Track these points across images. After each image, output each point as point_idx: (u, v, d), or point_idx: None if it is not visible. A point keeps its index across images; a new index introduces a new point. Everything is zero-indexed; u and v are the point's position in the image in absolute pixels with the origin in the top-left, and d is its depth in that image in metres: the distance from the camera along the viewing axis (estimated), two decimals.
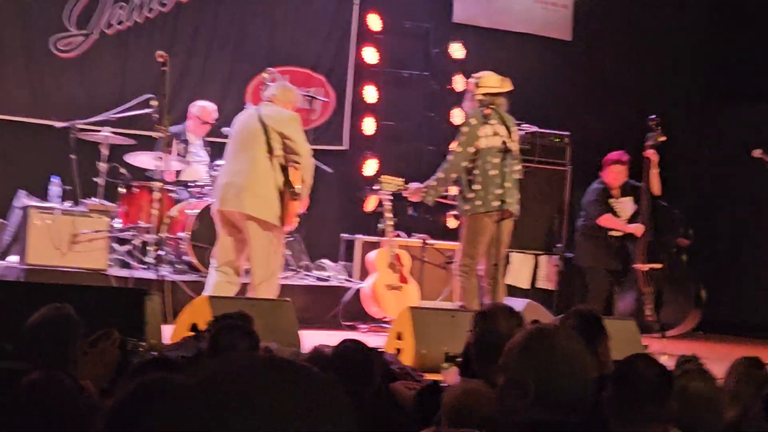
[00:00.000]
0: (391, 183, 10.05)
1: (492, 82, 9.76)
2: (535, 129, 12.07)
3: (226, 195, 8.97)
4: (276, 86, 9.40)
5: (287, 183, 8.89)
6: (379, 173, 12.64)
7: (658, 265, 10.81)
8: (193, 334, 6.43)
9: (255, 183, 8.86)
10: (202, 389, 1.30)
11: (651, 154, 10.76)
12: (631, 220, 10.91)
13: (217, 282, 8.98)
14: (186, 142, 11.28)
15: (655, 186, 10.86)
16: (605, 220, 10.84)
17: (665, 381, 3.76)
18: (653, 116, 10.85)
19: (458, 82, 12.91)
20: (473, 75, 9.92)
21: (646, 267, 10.79)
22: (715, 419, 4.35)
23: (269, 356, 1.36)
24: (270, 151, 8.88)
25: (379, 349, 6.84)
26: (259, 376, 1.31)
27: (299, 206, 9.05)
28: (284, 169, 8.93)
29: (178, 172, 10.96)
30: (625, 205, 10.93)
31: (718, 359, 5.90)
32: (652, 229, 10.82)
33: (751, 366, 4.83)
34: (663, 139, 10.77)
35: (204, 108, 11.42)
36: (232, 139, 9.25)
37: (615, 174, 10.94)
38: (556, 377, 3.28)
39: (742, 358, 4.91)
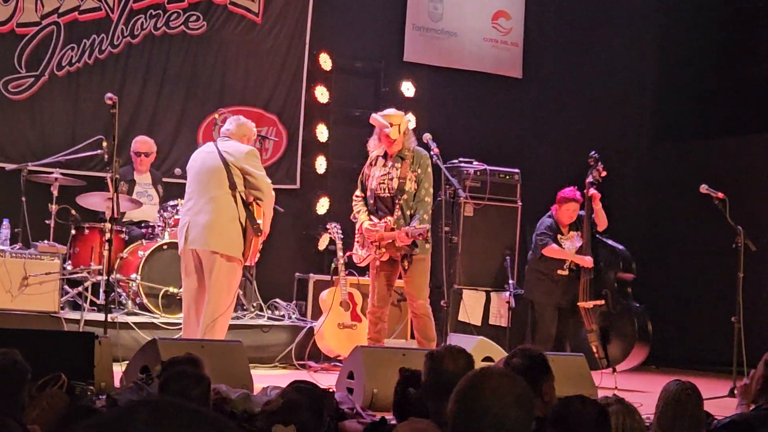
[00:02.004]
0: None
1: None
2: (485, 166, 12.16)
3: (190, 234, 8.91)
4: (231, 121, 9.37)
5: (250, 218, 8.88)
6: (330, 212, 12.71)
7: (601, 302, 10.88)
8: (143, 376, 6.42)
9: (218, 220, 8.83)
10: None
11: (591, 191, 10.86)
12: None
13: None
14: (132, 182, 11.28)
15: (601, 222, 10.94)
16: (549, 251, 10.87)
17: (603, 420, 3.80)
18: (593, 152, 10.96)
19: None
20: (404, 114, 10.02)
21: (590, 304, 10.85)
22: None
23: (166, 401, 1.38)
24: (232, 187, 8.85)
25: (330, 389, 6.87)
26: (141, 418, 1.34)
27: (261, 241, 9.06)
28: (246, 205, 8.92)
29: (123, 214, 10.92)
30: (573, 241, 10.99)
31: None
32: (594, 266, 10.89)
33: (682, 390, 4.88)
34: (604, 174, 10.86)
35: (137, 141, 11.43)
36: (192, 177, 9.17)
37: (569, 213, 10.94)
38: (496, 420, 3.32)
39: (675, 381, 4.97)
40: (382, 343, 9.60)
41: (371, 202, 9.76)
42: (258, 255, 9.19)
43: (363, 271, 11.67)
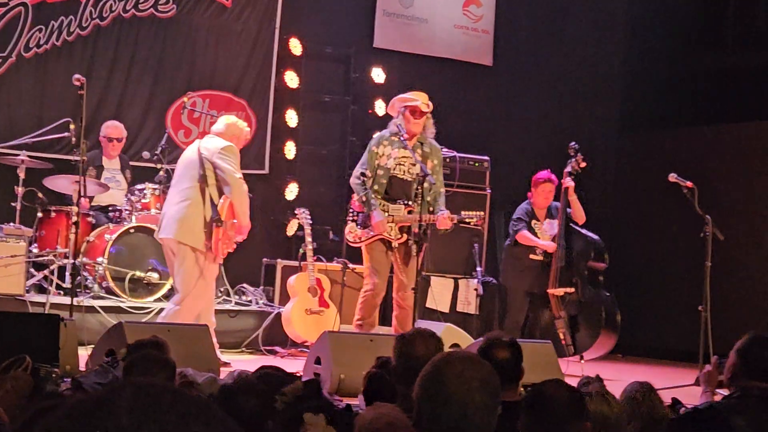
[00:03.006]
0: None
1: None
2: (455, 153, 12.17)
3: (161, 223, 9.25)
4: (221, 120, 9.58)
5: (213, 212, 8.98)
6: (299, 198, 12.67)
7: (571, 290, 10.92)
8: (108, 360, 6.38)
9: (184, 211, 9.04)
10: (64, 419, 1.31)
11: (567, 182, 10.88)
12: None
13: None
14: (100, 168, 11.21)
15: (578, 216, 10.99)
16: (522, 237, 10.96)
17: (578, 404, 3.79)
18: (573, 143, 10.98)
19: (379, 107, 12.97)
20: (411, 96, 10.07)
21: (560, 291, 10.90)
22: None
23: (148, 383, 1.36)
24: (202, 180, 9.06)
25: (297, 374, 6.84)
26: (123, 402, 1.32)
27: (227, 235, 9.12)
28: (212, 199, 9.08)
29: (91, 198, 10.86)
30: (550, 226, 11.03)
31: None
32: (565, 254, 10.93)
33: (642, 392, 4.89)
34: (584, 165, 10.90)
35: (108, 126, 11.37)
36: (176, 170, 9.49)
37: (545, 193, 11.02)
38: (460, 404, 3.31)
39: (630, 383, 4.98)
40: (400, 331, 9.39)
41: (383, 182, 9.86)
42: (228, 249, 9.23)
43: (330, 257, 11.66)
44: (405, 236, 9.72)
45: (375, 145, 9.95)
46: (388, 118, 10.35)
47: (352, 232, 9.94)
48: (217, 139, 9.27)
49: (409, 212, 9.74)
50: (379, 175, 9.85)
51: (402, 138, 9.80)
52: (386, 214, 9.79)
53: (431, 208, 9.77)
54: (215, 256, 9.15)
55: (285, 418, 3.53)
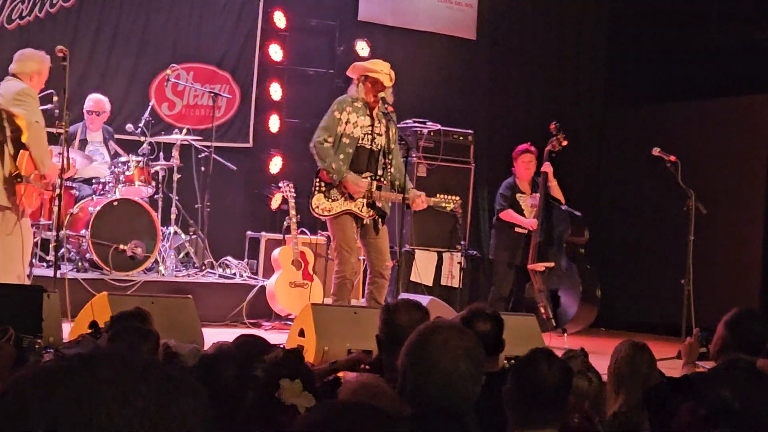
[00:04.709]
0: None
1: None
2: (439, 127, 12.17)
3: None
4: (15, 57, 8.74)
5: (12, 167, 8.37)
6: (283, 171, 12.65)
7: (551, 264, 10.98)
8: (91, 331, 6.37)
9: None
10: (31, 384, 1.31)
11: (546, 166, 10.96)
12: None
13: None
14: (84, 141, 11.17)
15: (558, 195, 11.08)
16: (505, 215, 11.09)
17: (565, 374, 3.80)
18: (554, 122, 11.04)
19: None
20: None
21: (540, 266, 10.96)
22: (598, 415, 4.43)
23: (119, 353, 1.36)
24: (2, 132, 8.38)
25: (281, 346, 6.85)
26: (93, 370, 1.32)
27: (31, 189, 8.52)
28: (16, 152, 8.40)
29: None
30: (534, 199, 11.10)
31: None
32: (545, 230, 10.99)
33: (635, 349, 4.91)
34: (565, 143, 10.96)
35: (90, 99, 11.30)
36: None
37: (525, 164, 11.11)
38: (444, 373, 3.32)
39: (627, 341, 5.00)
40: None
41: (349, 151, 9.33)
42: (38, 201, 8.81)
43: (314, 230, 11.66)
44: (374, 213, 9.37)
45: (338, 110, 9.39)
46: None
47: (320, 204, 9.37)
48: (13, 81, 8.52)
49: (378, 187, 9.36)
50: (345, 143, 9.32)
51: (355, 103, 9.41)
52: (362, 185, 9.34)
53: (398, 182, 9.42)
54: (23, 211, 8.54)
55: (263, 385, 3.53)
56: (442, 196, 9.79)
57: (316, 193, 9.44)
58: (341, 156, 9.31)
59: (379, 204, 9.40)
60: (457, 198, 9.92)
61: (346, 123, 9.35)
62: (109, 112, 11.40)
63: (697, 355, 5.94)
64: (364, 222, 9.44)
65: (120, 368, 1.31)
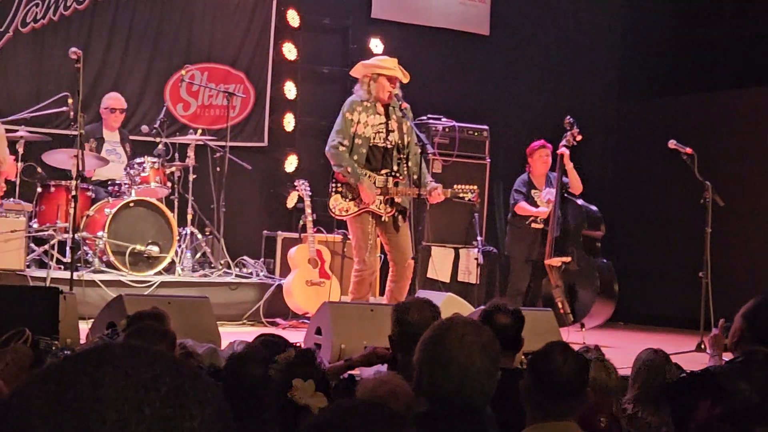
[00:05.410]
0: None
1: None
2: (454, 123, 12.16)
3: None
4: None
5: None
6: (298, 170, 12.66)
7: (567, 259, 10.96)
8: (108, 332, 6.38)
9: None
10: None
11: (563, 150, 10.92)
12: None
13: None
14: (101, 140, 11.19)
15: (575, 185, 11.03)
16: (520, 208, 11.09)
17: (582, 368, 3.79)
18: (569, 117, 11.01)
19: None
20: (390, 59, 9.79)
21: (556, 261, 10.94)
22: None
23: (132, 344, 1.35)
24: None
25: (298, 344, 6.84)
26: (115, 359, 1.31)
27: None
28: None
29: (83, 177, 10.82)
30: (548, 192, 11.08)
31: (634, 350, 5.96)
32: (561, 224, 10.97)
33: (653, 356, 4.90)
34: (579, 138, 10.94)
35: (109, 98, 11.33)
36: None
37: (542, 160, 11.12)
38: (461, 368, 3.31)
39: (647, 350, 4.99)
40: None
41: (363, 151, 9.39)
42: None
43: (331, 228, 11.66)
44: (393, 209, 9.39)
45: (349, 112, 9.41)
46: None
47: (337, 204, 9.48)
48: None
49: (396, 183, 9.41)
50: (358, 144, 9.39)
51: (365, 103, 9.44)
52: (374, 185, 9.39)
53: (415, 176, 9.41)
54: None
55: (277, 386, 3.53)
56: (459, 186, 9.79)
57: (332, 194, 9.52)
58: (355, 157, 9.37)
59: (398, 200, 9.41)
60: (474, 187, 9.91)
61: (358, 123, 9.39)
62: (122, 108, 11.41)
63: (723, 346, 5.90)
64: (383, 219, 9.45)
65: (123, 384, 1.28)
